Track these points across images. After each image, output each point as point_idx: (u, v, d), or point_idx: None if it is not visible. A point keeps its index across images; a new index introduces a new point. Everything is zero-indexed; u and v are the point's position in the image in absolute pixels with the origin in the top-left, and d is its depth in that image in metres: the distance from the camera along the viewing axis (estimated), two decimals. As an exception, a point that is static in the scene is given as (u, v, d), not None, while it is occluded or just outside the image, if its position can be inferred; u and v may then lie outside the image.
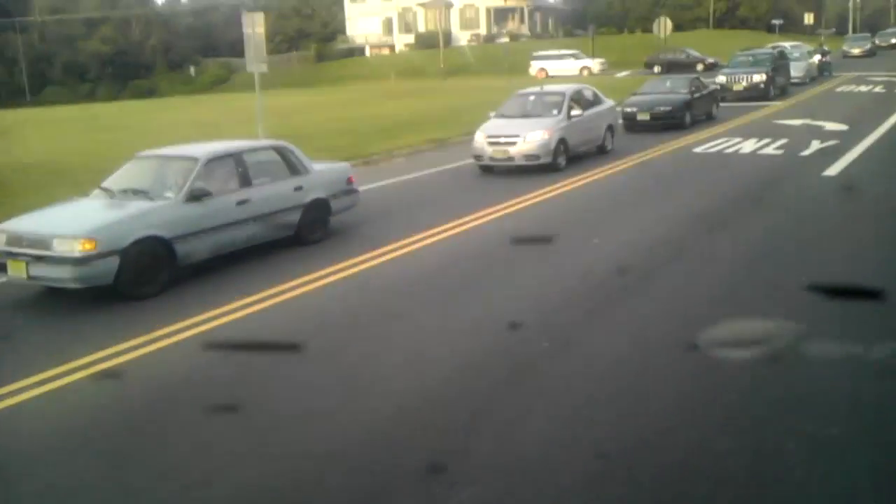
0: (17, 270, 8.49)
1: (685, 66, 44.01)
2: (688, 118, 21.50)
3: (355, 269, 9.31)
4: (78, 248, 8.20)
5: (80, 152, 23.51)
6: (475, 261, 9.64)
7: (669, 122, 21.01)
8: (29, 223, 9.00)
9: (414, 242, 10.31)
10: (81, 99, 67.13)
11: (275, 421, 5.53)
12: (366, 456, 4.99)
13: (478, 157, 16.12)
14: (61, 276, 8.30)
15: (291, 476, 4.73)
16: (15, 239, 8.63)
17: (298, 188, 10.50)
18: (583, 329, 7.08)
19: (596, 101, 17.97)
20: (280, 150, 10.79)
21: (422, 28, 70.38)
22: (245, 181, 9.92)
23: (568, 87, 17.83)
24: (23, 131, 34.06)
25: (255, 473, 4.79)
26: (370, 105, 35.61)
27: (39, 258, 8.33)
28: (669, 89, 22.78)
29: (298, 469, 4.84)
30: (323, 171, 11.15)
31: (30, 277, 8.49)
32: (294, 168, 10.63)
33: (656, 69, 45.66)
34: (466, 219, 11.43)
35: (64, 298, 8.65)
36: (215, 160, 9.80)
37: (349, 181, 11.44)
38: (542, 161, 15.39)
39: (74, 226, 8.56)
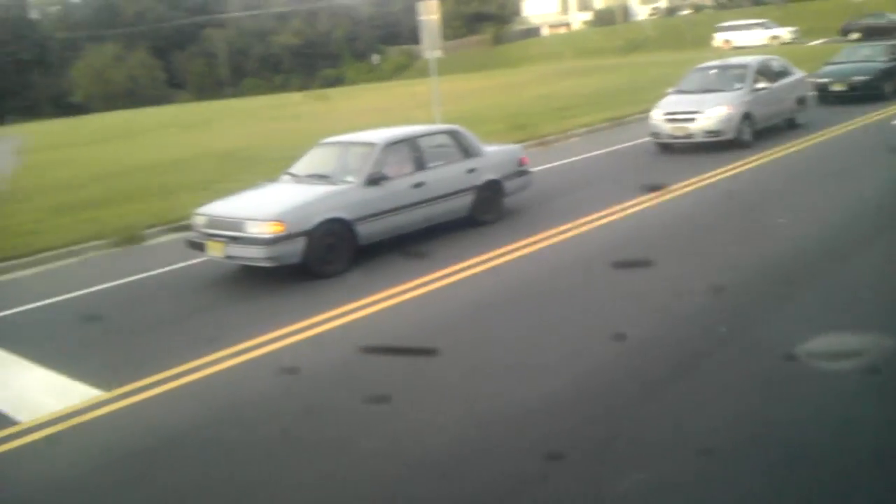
0: (215, 250, 9.23)
1: (886, 32, 40.64)
2: (888, 88, 19.89)
3: (529, 249, 9.40)
4: (268, 230, 8.79)
5: (270, 139, 25.01)
6: (652, 240, 9.44)
7: (867, 92, 19.52)
8: (225, 207, 9.72)
9: (589, 222, 10.25)
10: (275, 89, 71.22)
11: (466, 375, 5.73)
12: (533, 432, 5.06)
13: (655, 135, 15.72)
14: (254, 255, 8.92)
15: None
16: (213, 222, 9.37)
17: (471, 170, 10.71)
18: (761, 315, 6.80)
19: (784, 72, 17.00)
20: (453, 134, 11.04)
21: (599, 4, 69.04)
22: (420, 165, 10.23)
23: (753, 59, 16.97)
24: (222, 121, 36.67)
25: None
26: (546, 85, 35.50)
27: (235, 239, 9.00)
28: (867, 57, 21.12)
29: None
30: (495, 153, 11.30)
31: (226, 257, 9.19)
32: (467, 151, 10.84)
33: (853, 36, 42.41)
34: (643, 198, 11.20)
35: (258, 276, 9.32)
36: (392, 145, 10.17)
37: (522, 162, 11.53)
38: (723, 137, 14.80)
39: (265, 209, 9.15)
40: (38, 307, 9.32)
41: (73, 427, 5.77)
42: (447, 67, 52.52)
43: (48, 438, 5.62)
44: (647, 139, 16.21)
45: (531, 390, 5.61)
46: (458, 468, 4.67)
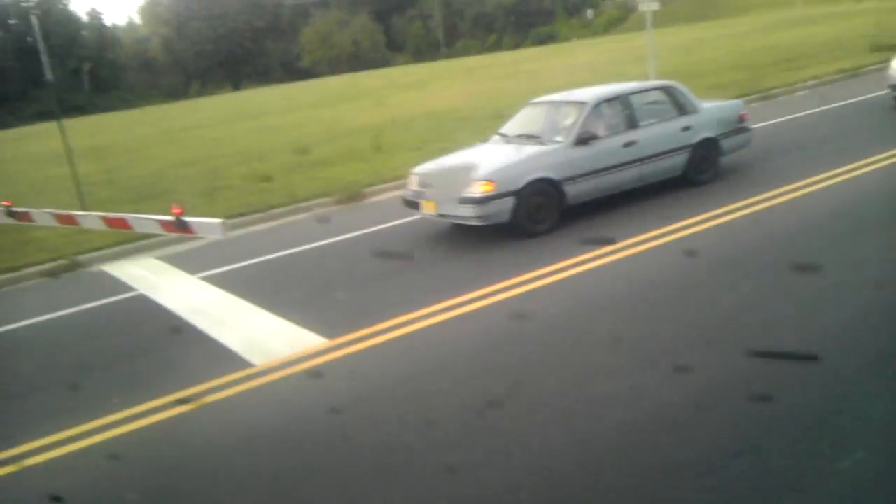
0: (428, 208, 9.59)
1: None
2: None
3: (746, 211, 8.99)
4: (479, 189, 9.01)
5: (483, 99, 25.37)
6: (879, 205, 8.73)
7: None
8: (438, 166, 10.04)
9: (810, 185, 9.62)
10: (488, 49, 71.97)
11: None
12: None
13: (895, 88, 14.38)
14: (465, 213, 9.17)
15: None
16: (427, 181, 9.73)
17: (686, 128, 10.35)
18: None
19: None
20: (668, 90, 10.69)
21: (837, -56, 63.34)
22: (632, 123, 10.02)
23: None
24: (437, 82, 37.62)
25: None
26: (771, 35, 33.34)
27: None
28: None
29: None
30: (713, 110, 10.83)
31: (438, 215, 9.52)
32: (682, 108, 10.48)
33: None
34: (873, 158, 10.35)
35: (469, 234, 9.60)
36: (603, 104, 10.03)
37: (741, 119, 10.98)
38: (977, 88, 13.30)
39: (476, 169, 9.37)
40: (271, 259, 10.16)
41: (301, 372, 6.29)
42: (664, 19, 50.57)
43: (278, 382, 6.17)
44: (884, 92, 14.86)
45: (748, 358, 5.43)
46: (668, 433, 4.64)
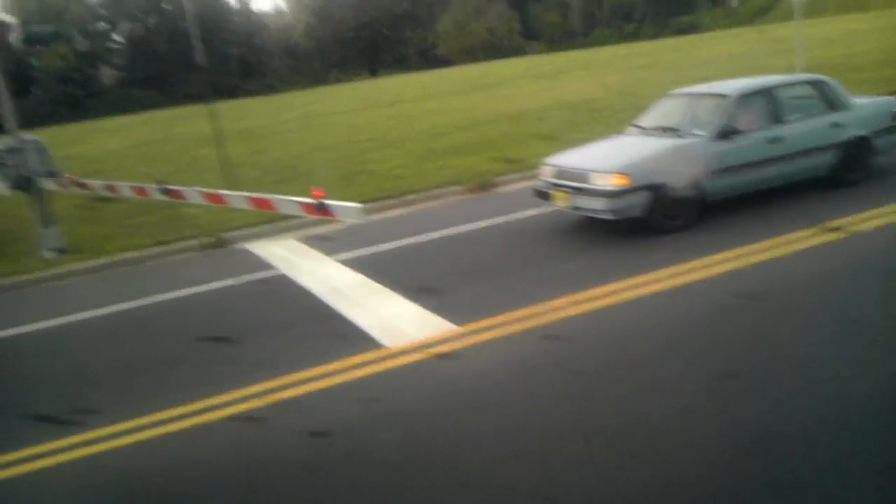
0: (560, 200, 9.56)
1: None
2: None
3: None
4: (612, 183, 8.90)
5: (618, 89, 24.96)
6: None
7: None
8: (572, 158, 9.98)
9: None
10: (626, 39, 70.58)
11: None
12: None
13: None
14: (598, 207, 9.09)
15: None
16: (559, 172, 9.69)
17: (835, 125, 9.88)
18: None
19: None
20: (816, 85, 10.22)
21: None
22: (777, 118, 9.65)
23: None
24: (573, 72, 37.21)
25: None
26: (936, 26, 31.17)
27: (579, 190, 9.24)
28: None
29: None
30: (865, 106, 10.28)
31: (571, 207, 9.48)
32: (831, 103, 10.00)
33: None
34: None
35: (600, 228, 9.53)
36: (746, 97, 9.69)
37: (895, 117, 10.39)
38: None
39: (610, 162, 9.25)
40: (404, 244, 10.40)
41: (432, 356, 6.44)
42: (815, 8, 48.18)
43: (408, 365, 6.35)
44: None
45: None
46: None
